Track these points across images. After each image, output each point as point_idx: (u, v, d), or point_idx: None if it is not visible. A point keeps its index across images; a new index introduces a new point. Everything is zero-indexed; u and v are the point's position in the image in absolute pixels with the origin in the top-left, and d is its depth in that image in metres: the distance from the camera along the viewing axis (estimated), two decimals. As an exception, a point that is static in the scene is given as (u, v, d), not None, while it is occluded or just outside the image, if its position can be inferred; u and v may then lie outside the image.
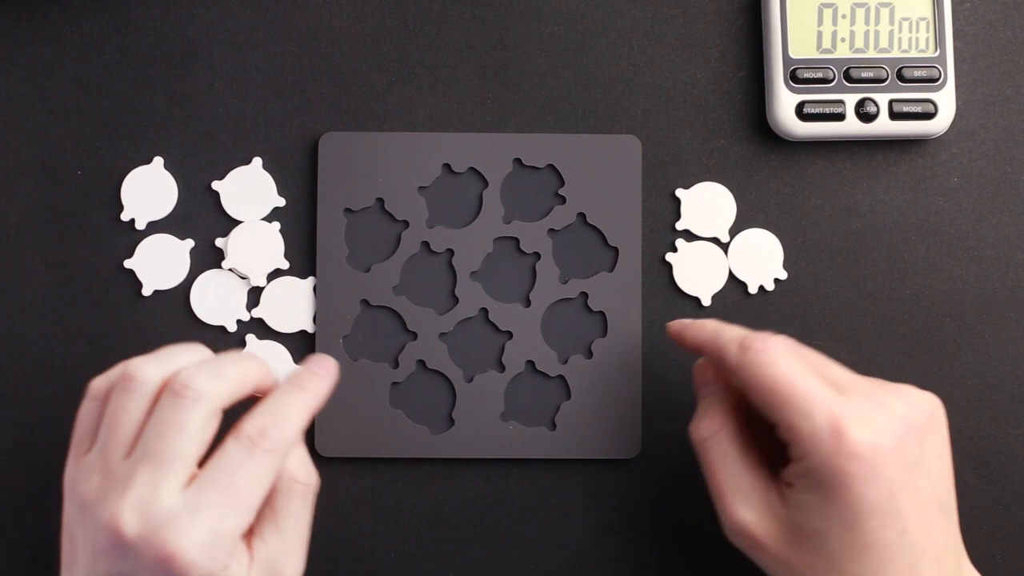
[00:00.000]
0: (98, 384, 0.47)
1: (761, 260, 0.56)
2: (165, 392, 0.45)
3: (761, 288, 0.56)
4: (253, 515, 0.45)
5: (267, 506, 0.47)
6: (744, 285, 0.56)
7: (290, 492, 0.47)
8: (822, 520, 0.45)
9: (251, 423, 0.45)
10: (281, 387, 0.47)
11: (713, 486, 0.48)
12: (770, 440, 0.48)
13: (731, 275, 0.56)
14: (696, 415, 0.50)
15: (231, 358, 0.47)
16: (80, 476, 0.45)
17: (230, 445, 0.45)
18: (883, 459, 0.44)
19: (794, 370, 0.46)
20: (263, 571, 0.46)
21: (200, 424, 0.44)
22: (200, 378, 0.45)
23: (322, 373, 0.49)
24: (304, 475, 0.48)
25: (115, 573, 0.44)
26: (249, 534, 0.46)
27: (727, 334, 0.48)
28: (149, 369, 0.46)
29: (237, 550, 0.45)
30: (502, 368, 0.55)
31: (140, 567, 0.43)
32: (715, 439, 0.48)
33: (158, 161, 0.56)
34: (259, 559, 0.46)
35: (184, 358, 0.47)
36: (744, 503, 0.47)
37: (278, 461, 0.45)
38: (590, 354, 0.55)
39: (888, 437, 0.44)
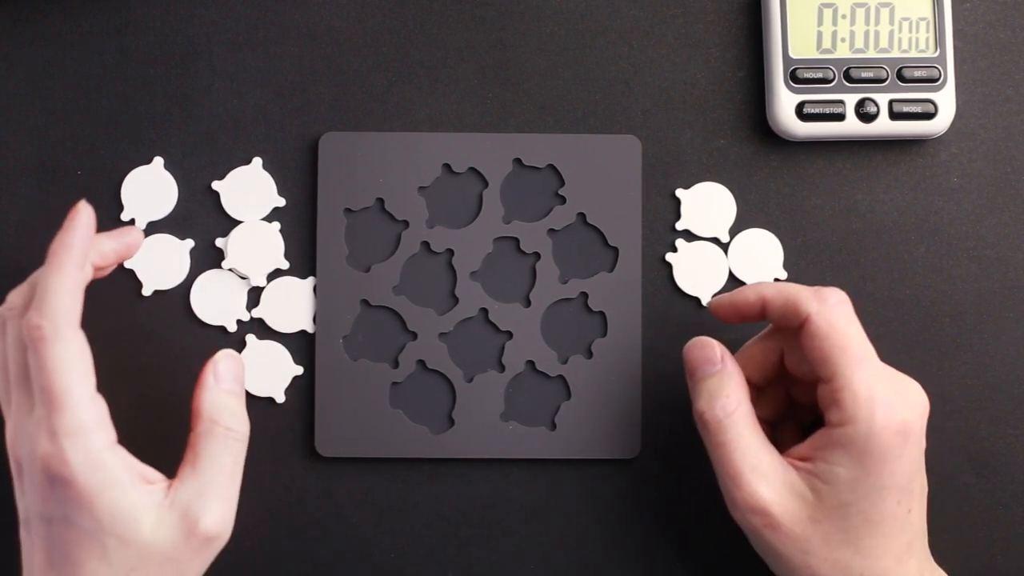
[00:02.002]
0: None
1: (761, 260, 0.56)
2: (8, 325, 0.47)
3: (761, 288, 0.56)
4: (78, 399, 0.45)
5: (188, 448, 0.48)
6: (744, 285, 0.56)
7: (210, 435, 0.48)
8: (850, 493, 0.46)
9: (22, 323, 0.46)
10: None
11: (728, 465, 0.48)
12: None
13: (731, 275, 0.56)
14: (703, 395, 0.49)
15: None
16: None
17: (28, 357, 0.46)
18: (912, 441, 0.46)
19: (863, 337, 0.48)
20: (178, 513, 0.46)
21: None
22: (35, 315, 0.45)
23: (64, 225, 0.47)
24: (226, 419, 0.48)
25: (27, 507, 0.47)
26: (173, 478, 0.47)
27: (796, 285, 0.49)
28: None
29: (108, 453, 0.45)
30: (502, 368, 0.55)
31: (32, 489, 0.46)
32: (731, 419, 0.48)
33: (158, 161, 0.56)
34: (175, 500, 0.46)
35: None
36: (763, 481, 0.47)
37: (60, 338, 0.45)
38: (590, 354, 0.55)
39: (918, 421, 0.47)
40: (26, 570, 0.47)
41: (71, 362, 0.45)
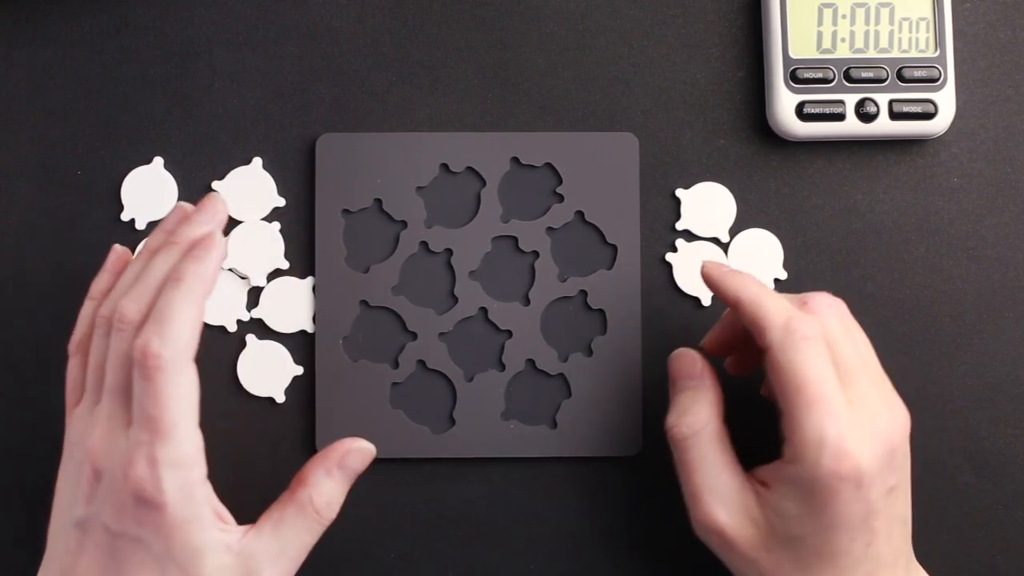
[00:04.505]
0: (75, 340, 0.50)
1: (761, 260, 0.56)
2: (114, 333, 0.46)
3: (761, 288, 0.56)
4: (185, 432, 0.45)
5: (277, 505, 0.48)
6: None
7: (301, 511, 0.48)
8: (799, 528, 0.46)
9: (136, 344, 0.45)
10: (164, 289, 0.47)
11: (688, 484, 0.49)
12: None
13: (731, 275, 0.56)
14: (675, 409, 0.49)
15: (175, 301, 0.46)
16: (72, 425, 0.48)
17: (134, 376, 0.45)
18: (868, 482, 0.45)
19: (824, 376, 0.45)
20: (243, 563, 0.47)
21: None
22: (155, 342, 0.45)
23: (199, 253, 0.47)
24: (322, 506, 0.48)
25: (92, 513, 0.46)
26: (252, 525, 0.48)
27: (771, 306, 0.47)
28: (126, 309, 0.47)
29: (200, 488, 0.46)
30: (502, 367, 0.55)
31: (109, 501, 0.45)
32: (696, 437, 0.48)
33: (158, 161, 0.56)
34: (244, 549, 0.47)
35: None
36: (719, 503, 0.48)
37: (177, 370, 0.45)
38: (590, 352, 0.55)
39: (877, 463, 0.45)
40: (64, 566, 0.46)
41: (183, 395, 0.45)
